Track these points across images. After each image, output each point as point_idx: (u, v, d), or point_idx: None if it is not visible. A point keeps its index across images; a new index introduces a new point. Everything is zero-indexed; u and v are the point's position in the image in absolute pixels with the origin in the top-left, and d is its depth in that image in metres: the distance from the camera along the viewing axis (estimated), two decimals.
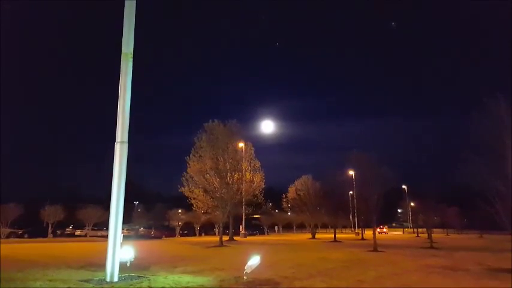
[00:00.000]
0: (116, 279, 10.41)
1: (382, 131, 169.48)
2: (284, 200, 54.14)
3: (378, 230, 73.76)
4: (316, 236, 52.15)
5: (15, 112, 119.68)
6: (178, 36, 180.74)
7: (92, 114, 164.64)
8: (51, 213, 52.17)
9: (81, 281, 10.52)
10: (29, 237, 45.70)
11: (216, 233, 53.33)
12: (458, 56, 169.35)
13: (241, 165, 34.82)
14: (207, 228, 64.77)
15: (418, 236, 58.16)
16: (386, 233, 74.81)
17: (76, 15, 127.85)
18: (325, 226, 77.06)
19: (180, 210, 63.03)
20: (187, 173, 32.95)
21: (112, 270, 10.45)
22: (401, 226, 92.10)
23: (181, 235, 58.84)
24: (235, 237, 41.83)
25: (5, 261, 15.15)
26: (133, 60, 12.10)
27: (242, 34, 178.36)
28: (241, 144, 36.41)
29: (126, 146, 11.50)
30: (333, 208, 44.65)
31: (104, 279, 10.39)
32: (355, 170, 35.63)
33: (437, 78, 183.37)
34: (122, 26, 12.14)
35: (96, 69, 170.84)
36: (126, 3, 12.27)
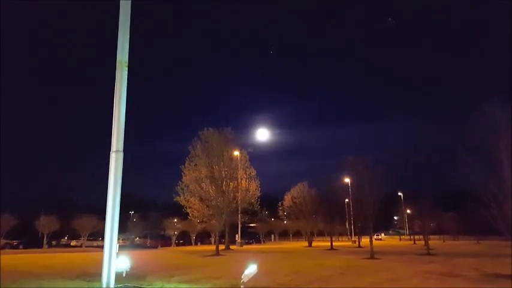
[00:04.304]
0: None
1: (378, 136, 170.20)
2: (280, 207, 54.11)
3: (375, 237, 74.20)
4: (313, 244, 51.98)
5: (10, 121, 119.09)
6: (173, 45, 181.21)
7: (87, 122, 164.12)
8: (46, 223, 51.79)
9: None
10: (24, 248, 45.34)
11: (212, 242, 53.09)
12: (455, 59, 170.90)
13: (236, 174, 34.79)
14: (203, 237, 64.51)
15: (414, 242, 58.12)
16: (381, 240, 75.21)
17: (72, 21, 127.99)
18: (321, 234, 77.12)
19: (175, 220, 62.78)
20: (182, 181, 32.82)
21: (108, 280, 10.33)
22: (398, 233, 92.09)
23: (177, 244, 58.54)
24: (231, 246, 41.63)
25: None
26: (128, 67, 12.07)
27: (237, 42, 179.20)
28: (236, 153, 36.38)
29: (121, 155, 11.42)
30: (329, 215, 44.64)
31: None
32: (351, 175, 35.60)
33: (434, 82, 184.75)
34: (117, 32, 12.12)
35: (93, 76, 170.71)
36: (121, 11, 12.28)
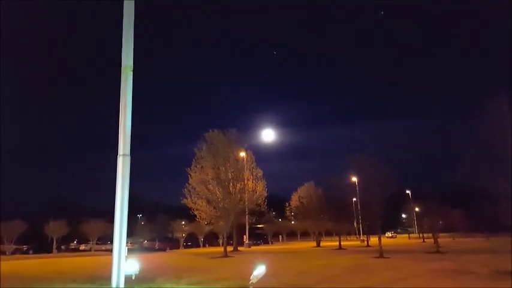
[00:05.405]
0: None
1: (383, 135, 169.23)
2: (287, 208, 53.97)
3: (387, 235, 74.87)
4: (321, 243, 51.81)
5: (14, 123, 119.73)
6: (177, 47, 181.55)
7: (94, 126, 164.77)
8: (55, 228, 52.02)
9: None
10: (34, 253, 45.63)
11: (220, 244, 53.14)
12: (458, 56, 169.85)
13: (243, 174, 34.75)
14: (211, 239, 64.59)
15: (424, 241, 57.77)
16: (394, 237, 76.26)
17: (75, 23, 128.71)
18: (329, 234, 76.92)
19: (183, 222, 62.92)
20: (189, 184, 32.84)
21: (117, 283, 10.40)
22: (407, 231, 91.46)
23: (185, 246, 58.68)
24: (239, 248, 41.62)
25: (10, 277, 15.11)
26: (133, 72, 12.13)
27: (242, 43, 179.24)
28: (242, 154, 36.35)
29: (128, 158, 11.47)
30: (336, 214, 44.42)
31: None
32: (357, 174, 35.50)
33: (437, 78, 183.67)
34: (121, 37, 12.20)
35: (97, 79, 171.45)
36: (125, 14, 12.34)
